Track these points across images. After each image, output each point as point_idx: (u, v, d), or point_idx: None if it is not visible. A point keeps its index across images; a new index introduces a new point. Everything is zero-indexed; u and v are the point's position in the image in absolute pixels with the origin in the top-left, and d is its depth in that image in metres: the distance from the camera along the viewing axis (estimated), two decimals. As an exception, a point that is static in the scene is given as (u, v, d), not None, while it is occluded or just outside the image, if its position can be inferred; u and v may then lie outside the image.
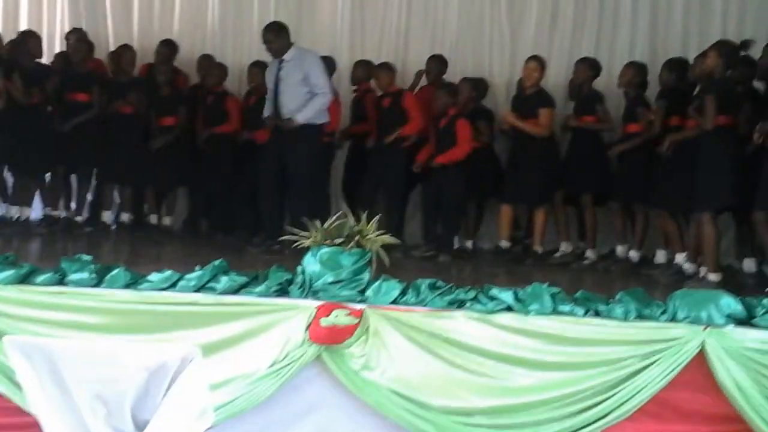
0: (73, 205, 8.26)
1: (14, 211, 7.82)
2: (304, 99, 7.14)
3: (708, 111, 6.04)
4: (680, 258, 6.63)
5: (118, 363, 3.38)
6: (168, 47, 8.35)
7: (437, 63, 8.15)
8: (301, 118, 7.08)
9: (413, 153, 7.75)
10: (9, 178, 8.00)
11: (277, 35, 7.20)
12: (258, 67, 7.96)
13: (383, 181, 7.78)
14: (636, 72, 7.31)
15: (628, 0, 8.30)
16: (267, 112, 7.26)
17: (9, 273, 4.75)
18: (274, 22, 7.46)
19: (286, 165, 7.14)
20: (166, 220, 8.31)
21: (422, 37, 8.66)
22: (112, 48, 8.67)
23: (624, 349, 4.52)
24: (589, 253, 7.45)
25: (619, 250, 7.41)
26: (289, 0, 8.77)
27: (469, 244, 7.91)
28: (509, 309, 4.66)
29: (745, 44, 6.36)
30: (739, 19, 8.08)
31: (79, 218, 8.14)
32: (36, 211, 8.06)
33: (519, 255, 7.57)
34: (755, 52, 6.60)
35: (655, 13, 8.26)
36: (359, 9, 8.80)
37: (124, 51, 8.21)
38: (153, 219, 8.25)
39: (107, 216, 8.20)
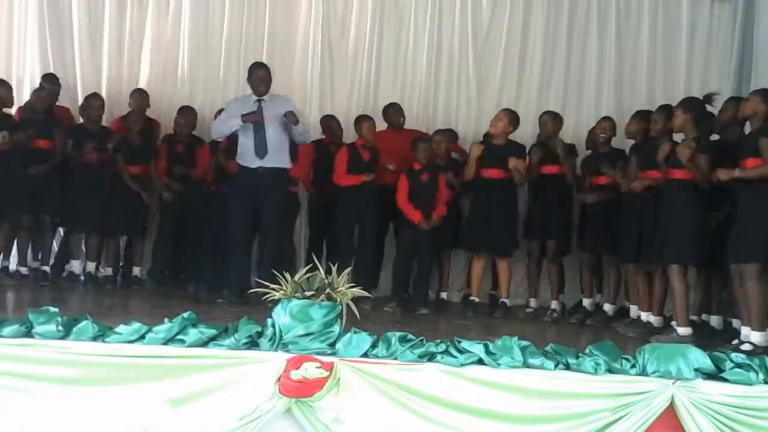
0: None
1: None
2: (285, 138, 7.18)
3: (702, 168, 6.09)
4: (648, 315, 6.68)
5: (89, 413, 3.36)
6: (141, 96, 8.36)
7: (396, 110, 8.25)
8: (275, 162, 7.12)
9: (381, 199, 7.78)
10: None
11: (266, 74, 7.29)
12: None
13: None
14: (613, 126, 7.44)
15: (594, 56, 8.48)
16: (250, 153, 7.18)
17: (-26, 325, 4.68)
18: (262, 63, 7.53)
19: (259, 214, 7.12)
20: (135, 271, 8.25)
21: (392, 90, 8.77)
22: (80, 94, 8.64)
23: (595, 402, 4.54)
24: (555, 305, 7.54)
25: (586, 302, 7.48)
26: (259, 52, 8.84)
27: (443, 295, 7.92)
28: (480, 362, 4.67)
29: (708, 98, 6.47)
30: (703, 74, 8.29)
31: (45, 268, 8.02)
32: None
33: (489, 307, 7.60)
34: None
35: (620, 69, 8.45)
36: (329, 62, 8.89)
37: (93, 99, 8.21)
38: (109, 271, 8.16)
39: (75, 266, 8.09)
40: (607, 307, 7.32)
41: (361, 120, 7.98)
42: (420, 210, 7.45)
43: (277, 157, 7.16)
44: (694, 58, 8.44)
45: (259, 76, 7.27)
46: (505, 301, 7.58)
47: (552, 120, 7.70)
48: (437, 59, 8.81)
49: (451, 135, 8.12)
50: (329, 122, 8.36)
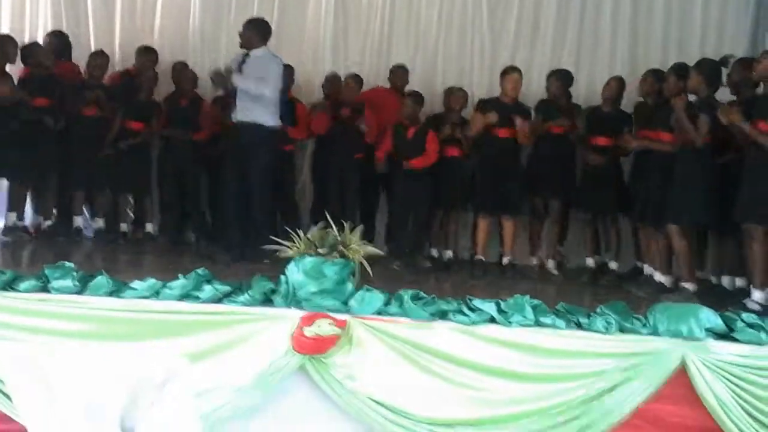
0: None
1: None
2: (252, 98, 7.15)
3: (701, 129, 6.08)
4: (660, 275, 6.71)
5: (106, 373, 3.39)
6: (150, 54, 8.34)
7: (402, 72, 8.28)
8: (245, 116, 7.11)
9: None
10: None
11: (248, 28, 7.22)
12: None
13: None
14: (619, 86, 7.42)
15: (608, 13, 8.41)
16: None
17: (-8, 280, 4.73)
18: (255, 18, 7.48)
19: (247, 172, 7.12)
20: (148, 227, 8.29)
21: (405, 46, 8.71)
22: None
23: (605, 361, 4.58)
24: (553, 264, 7.64)
25: (589, 261, 7.54)
26: (271, 7, 8.80)
27: (449, 254, 7.94)
28: (492, 320, 4.71)
29: (724, 61, 6.43)
30: (718, 31, 8.22)
31: (48, 224, 8.01)
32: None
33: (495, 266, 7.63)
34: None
35: (635, 26, 8.38)
36: (342, 17, 8.82)
37: (95, 57, 8.18)
38: (124, 227, 8.20)
39: (79, 222, 8.09)
40: (614, 266, 7.36)
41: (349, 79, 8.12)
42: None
43: (259, 114, 7.09)
44: (710, 17, 8.34)
45: (241, 32, 7.25)
46: (509, 258, 7.61)
47: (559, 79, 7.68)
48: (449, 15, 8.69)
49: (463, 95, 8.09)
50: (329, 83, 8.35)
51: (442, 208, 7.90)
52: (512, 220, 7.60)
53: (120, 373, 3.46)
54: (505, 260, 7.56)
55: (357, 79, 8.19)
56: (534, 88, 8.04)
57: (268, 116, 7.14)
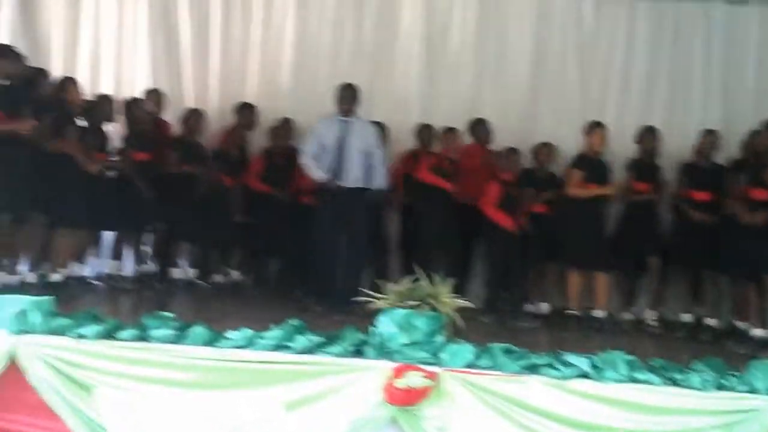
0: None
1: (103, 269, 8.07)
2: (367, 164, 7.34)
3: None
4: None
5: (203, 416, 3.48)
6: (248, 111, 8.58)
7: (484, 127, 8.34)
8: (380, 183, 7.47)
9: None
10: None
11: (355, 95, 7.55)
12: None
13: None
14: (715, 139, 7.40)
15: (699, 68, 8.37)
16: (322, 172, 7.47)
17: (95, 328, 4.88)
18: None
19: (349, 227, 7.35)
20: (233, 276, 8.46)
21: (492, 101, 8.77)
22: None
23: (702, 419, 4.49)
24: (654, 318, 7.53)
25: (686, 317, 7.44)
26: (361, 62, 8.98)
27: (543, 307, 7.92)
28: (584, 375, 4.67)
29: None
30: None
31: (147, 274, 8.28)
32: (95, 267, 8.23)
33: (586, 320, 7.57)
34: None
35: (726, 82, 8.32)
36: (430, 72, 8.96)
37: (193, 115, 8.46)
38: (218, 277, 8.40)
39: (177, 272, 8.36)
40: (711, 322, 7.24)
41: (449, 132, 8.19)
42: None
43: (361, 177, 7.47)
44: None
45: (343, 96, 7.50)
46: (602, 314, 7.55)
47: (655, 136, 7.67)
48: (539, 69, 8.79)
49: (552, 150, 8.13)
50: (422, 133, 8.46)
51: (536, 263, 7.89)
52: (604, 274, 7.55)
53: (215, 421, 3.54)
54: (599, 314, 7.49)
55: (456, 132, 8.27)
56: (623, 144, 8.03)
57: (369, 178, 7.48)
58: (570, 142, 8.39)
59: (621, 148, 8.01)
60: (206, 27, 9.17)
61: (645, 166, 7.74)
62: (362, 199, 7.54)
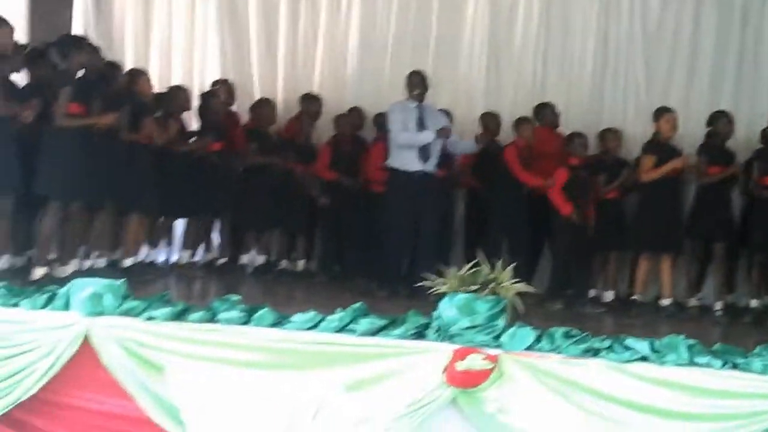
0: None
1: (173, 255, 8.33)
2: (440, 149, 7.45)
3: None
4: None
5: (268, 395, 3.62)
6: (314, 101, 8.73)
7: (550, 111, 8.35)
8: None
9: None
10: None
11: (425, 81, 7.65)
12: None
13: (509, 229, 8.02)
14: None
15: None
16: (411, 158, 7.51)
17: (165, 310, 5.05)
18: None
19: (418, 217, 7.43)
20: (299, 264, 8.63)
21: (557, 90, 8.76)
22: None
23: (762, 402, 4.48)
24: (720, 305, 7.44)
25: (754, 303, 7.38)
26: (425, 52, 9.05)
27: (609, 295, 7.93)
28: (644, 359, 4.69)
29: None
30: None
31: (220, 261, 8.51)
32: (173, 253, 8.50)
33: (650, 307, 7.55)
34: None
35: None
36: (494, 62, 9.00)
37: (265, 105, 8.63)
38: (283, 263, 8.57)
39: (245, 259, 8.54)
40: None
41: (523, 121, 8.20)
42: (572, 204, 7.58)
43: (435, 163, 7.54)
44: None
45: (416, 82, 7.60)
46: (668, 300, 7.52)
47: (723, 119, 7.60)
48: (604, 57, 8.77)
49: (619, 135, 8.12)
50: (488, 120, 8.50)
51: (602, 249, 7.89)
52: (673, 259, 7.52)
53: (279, 401, 3.68)
54: (666, 301, 7.47)
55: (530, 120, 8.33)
56: (691, 129, 7.96)
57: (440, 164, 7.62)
58: (637, 128, 8.37)
59: (687, 133, 7.94)
60: (274, 18, 9.34)
61: (717, 150, 7.67)
62: (438, 184, 7.62)
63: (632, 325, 6.68)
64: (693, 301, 7.72)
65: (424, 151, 7.49)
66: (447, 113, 8.17)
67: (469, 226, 8.55)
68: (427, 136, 7.48)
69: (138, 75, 7.75)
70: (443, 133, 7.50)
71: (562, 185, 7.72)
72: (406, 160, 7.50)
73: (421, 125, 7.55)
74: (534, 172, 8.07)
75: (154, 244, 8.17)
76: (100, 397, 5.01)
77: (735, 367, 4.61)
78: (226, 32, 9.34)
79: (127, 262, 7.46)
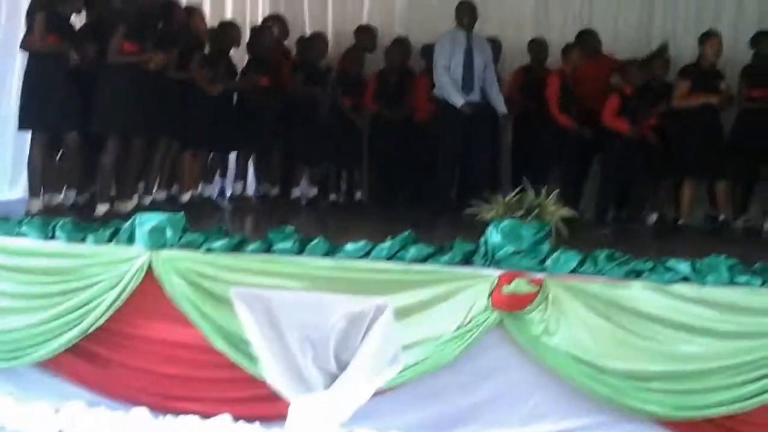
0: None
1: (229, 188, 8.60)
2: (488, 79, 7.52)
3: None
4: None
5: (323, 311, 3.85)
6: (367, 32, 8.83)
7: (594, 39, 8.37)
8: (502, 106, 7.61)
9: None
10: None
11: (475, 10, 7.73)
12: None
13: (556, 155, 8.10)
14: None
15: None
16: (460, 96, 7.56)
17: (223, 242, 5.26)
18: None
19: (469, 143, 7.50)
20: (358, 195, 8.82)
21: (605, 15, 8.73)
22: (308, 32, 9.19)
23: (800, 320, 4.59)
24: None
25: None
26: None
27: (653, 217, 8.00)
28: (686, 279, 4.80)
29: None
30: None
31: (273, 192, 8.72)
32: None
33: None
34: None
35: None
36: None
37: (315, 39, 8.75)
38: (333, 196, 8.78)
39: (297, 192, 8.77)
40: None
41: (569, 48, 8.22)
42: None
43: (482, 93, 7.58)
44: None
45: (464, 11, 7.64)
46: (725, 218, 7.60)
47: (765, 40, 7.56)
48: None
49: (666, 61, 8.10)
50: (536, 46, 8.54)
51: (652, 175, 7.96)
52: (725, 182, 7.57)
53: (335, 311, 3.92)
54: (721, 217, 7.59)
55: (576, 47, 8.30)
56: (739, 52, 7.92)
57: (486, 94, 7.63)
58: (686, 52, 8.33)
59: (738, 55, 7.90)
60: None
61: (760, 71, 7.62)
62: (486, 114, 7.69)
63: (675, 248, 6.75)
64: (740, 222, 7.74)
65: (467, 82, 7.53)
66: (496, 42, 8.21)
67: (516, 152, 8.64)
68: (457, 100, 7.53)
69: (193, 12, 7.89)
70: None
71: (615, 111, 7.73)
72: (449, 92, 7.58)
73: (469, 55, 7.59)
74: (581, 98, 8.06)
75: (209, 179, 8.40)
76: (164, 326, 5.26)
77: (775, 285, 4.71)
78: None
79: (185, 197, 7.70)
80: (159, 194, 7.59)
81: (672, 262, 4.86)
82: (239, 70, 8.30)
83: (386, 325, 3.78)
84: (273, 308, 3.86)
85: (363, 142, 8.82)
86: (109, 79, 6.74)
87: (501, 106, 7.76)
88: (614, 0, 8.85)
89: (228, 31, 8.22)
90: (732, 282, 4.72)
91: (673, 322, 4.72)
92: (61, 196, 7.06)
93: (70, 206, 6.96)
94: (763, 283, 4.70)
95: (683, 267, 4.81)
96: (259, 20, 9.16)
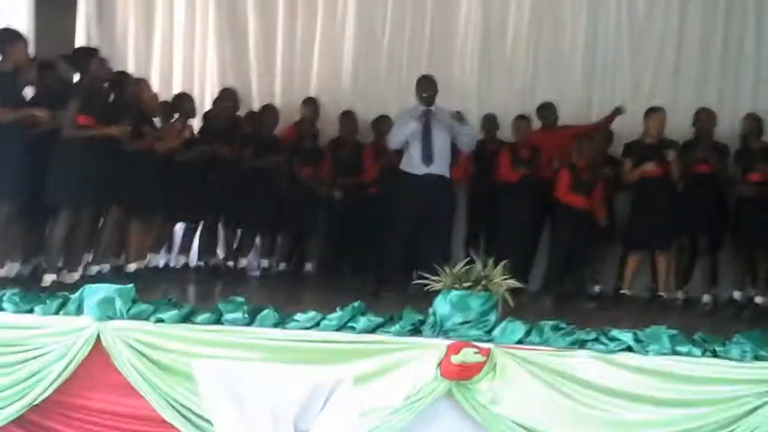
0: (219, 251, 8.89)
1: (175, 259, 8.57)
2: (449, 147, 7.64)
3: None
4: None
5: (284, 383, 3.89)
6: (312, 105, 8.97)
7: (552, 110, 8.57)
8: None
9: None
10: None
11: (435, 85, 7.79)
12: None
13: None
14: (759, 122, 7.56)
15: (752, 51, 8.47)
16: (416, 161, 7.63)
17: (173, 313, 5.26)
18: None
19: (421, 218, 7.57)
20: (307, 266, 8.86)
21: (548, 92, 8.98)
22: (256, 105, 9.31)
23: (740, 387, 4.70)
24: (707, 298, 7.71)
25: (737, 295, 7.60)
26: (420, 55, 9.29)
27: (596, 288, 8.16)
28: (629, 349, 4.92)
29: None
30: None
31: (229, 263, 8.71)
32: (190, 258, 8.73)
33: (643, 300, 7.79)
34: None
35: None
36: (487, 65, 9.25)
37: (266, 111, 8.87)
38: (282, 266, 8.82)
39: (245, 262, 8.77)
40: (759, 300, 7.39)
41: (519, 120, 8.38)
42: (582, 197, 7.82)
43: (442, 165, 7.63)
44: None
45: (426, 86, 7.75)
46: (663, 294, 7.75)
47: (706, 117, 7.83)
48: (593, 58, 9.01)
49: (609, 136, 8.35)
50: (487, 122, 8.74)
51: (592, 245, 8.12)
52: (666, 255, 7.75)
53: (295, 383, 3.96)
54: (662, 294, 7.73)
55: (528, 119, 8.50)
56: (677, 126, 8.17)
57: (448, 166, 7.72)
58: (624, 127, 8.58)
59: (674, 131, 8.16)
60: (272, 26, 9.61)
61: (702, 147, 7.86)
62: (446, 186, 7.74)
63: (619, 318, 6.89)
64: (680, 294, 7.92)
65: (426, 153, 7.61)
66: (459, 114, 8.37)
67: (470, 222, 8.77)
68: (412, 126, 7.57)
69: (141, 84, 7.96)
70: (459, 116, 7.66)
71: (567, 186, 7.91)
72: (409, 164, 7.68)
73: (427, 128, 7.67)
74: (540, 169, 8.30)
75: (157, 250, 8.39)
76: (113, 397, 5.21)
77: (714, 354, 4.84)
78: (225, 41, 9.59)
79: (132, 267, 7.67)
80: (105, 265, 7.54)
81: (615, 332, 4.98)
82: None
83: (346, 397, 3.82)
84: (233, 379, 3.88)
85: (320, 212, 8.86)
86: (63, 150, 6.74)
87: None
88: (555, 78, 9.06)
89: (183, 101, 8.29)
90: (674, 352, 4.84)
91: (617, 391, 4.82)
92: (5, 267, 6.99)
93: (13, 277, 6.89)
94: (703, 353, 4.83)
95: (626, 337, 4.93)
96: (207, 91, 9.23)
